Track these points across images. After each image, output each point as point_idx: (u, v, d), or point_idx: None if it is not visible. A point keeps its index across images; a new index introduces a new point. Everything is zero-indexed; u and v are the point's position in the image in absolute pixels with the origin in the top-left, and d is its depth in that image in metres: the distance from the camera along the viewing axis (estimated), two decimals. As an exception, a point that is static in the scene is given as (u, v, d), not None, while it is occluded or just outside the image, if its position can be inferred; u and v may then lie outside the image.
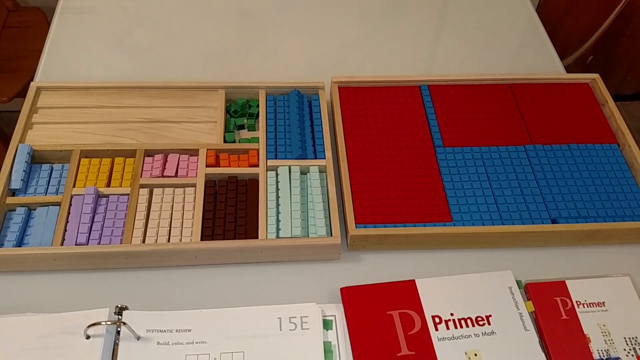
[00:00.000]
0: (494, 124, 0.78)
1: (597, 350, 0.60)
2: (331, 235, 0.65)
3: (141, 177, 0.69)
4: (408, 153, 0.74)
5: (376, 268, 0.67)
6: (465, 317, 0.61)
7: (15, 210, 0.66)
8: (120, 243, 0.63)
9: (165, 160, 0.71)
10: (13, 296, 0.63)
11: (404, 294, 0.63)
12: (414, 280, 0.64)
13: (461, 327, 0.61)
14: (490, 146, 0.75)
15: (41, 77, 0.85)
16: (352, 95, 0.80)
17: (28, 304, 0.62)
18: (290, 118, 0.77)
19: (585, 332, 0.61)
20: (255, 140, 0.75)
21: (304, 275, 0.66)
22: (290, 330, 0.60)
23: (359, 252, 0.68)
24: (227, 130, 0.76)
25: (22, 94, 1.19)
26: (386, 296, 0.63)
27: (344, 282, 0.64)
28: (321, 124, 0.76)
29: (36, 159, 0.71)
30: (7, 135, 1.29)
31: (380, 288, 0.63)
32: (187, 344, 0.58)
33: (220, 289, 0.64)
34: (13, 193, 0.68)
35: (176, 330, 0.59)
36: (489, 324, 0.61)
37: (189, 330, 0.59)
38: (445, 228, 0.66)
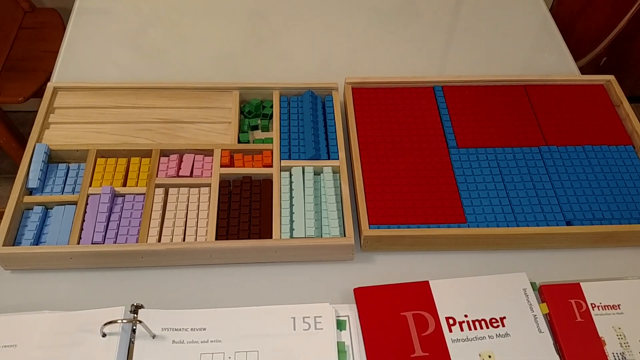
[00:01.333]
0: (508, 125, 0.78)
1: (613, 353, 0.59)
2: (344, 236, 0.65)
3: (157, 176, 0.70)
4: (422, 154, 0.74)
5: (389, 269, 0.67)
6: (480, 318, 0.61)
7: (32, 209, 0.67)
8: (136, 242, 0.64)
9: (181, 161, 0.72)
10: (30, 294, 0.63)
11: (418, 295, 0.63)
12: (427, 281, 0.64)
13: (475, 328, 0.61)
14: (504, 147, 0.75)
15: (57, 77, 0.86)
16: (366, 96, 0.80)
17: (45, 301, 0.62)
18: (303, 119, 0.77)
19: (600, 335, 0.61)
20: (269, 140, 0.75)
21: (317, 275, 0.66)
22: (304, 330, 0.60)
23: (372, 252, 0.68)
24: (241, 130, 0.76)
25: (38, 94, 1.21)
26: (400, 297, 0.63)
27: (357, 282, 0.64)
28: (335, 125, 0.76)
29: (53, 158, 0.72)
30: (22, 135, 1.31)
31: (394, 289, 0.63)
32: (202, 342, 0.59)
33: (235, 288, 0.65)
34: (30, 192, 0.69)
35: (191, 329, 0.60)
36: (503, 325, 0.61)
37: (204, 329, 0.60)
38: (459, 229, 0.66)
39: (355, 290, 0.63)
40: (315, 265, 0.67)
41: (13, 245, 0.64)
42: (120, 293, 0.64)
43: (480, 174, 0.72)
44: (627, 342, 0.60)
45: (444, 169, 0.72)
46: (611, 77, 0.83)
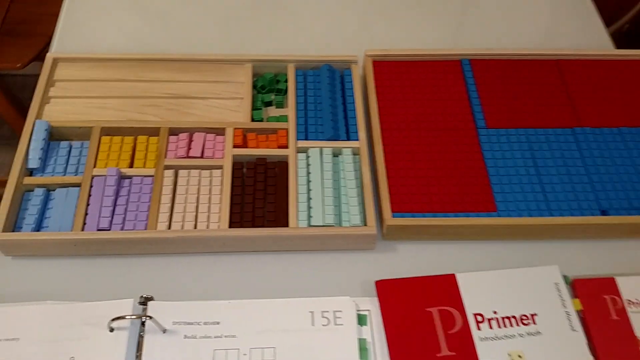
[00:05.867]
0: (540, 104, 0.72)
1: (650, 354, 0.56)
2: (365, 225, 0.61)
3: (165, 157, 0.65)
4: (448, 134, 0.69)
5: (412, 259, 0.63)
6: (509, 315, 0.58)
7: (33, 191, 0.63)
8: (145, 229, 0.60)
9: (191, 140, 0.67)
10: (32, 282, 0.60)
11: (444, 289, 0.59)
12: (453, 274, 0.60)
13: (505, 326, 0.57)
14: (536, 128, 0.70)
15: (57, 44, 0.80)
16: (387, 70, 0.75)
17: (48, 290, 0.59)
18: (321, 95, 0.72)
19: (636, 334, 0.57)
20: (284, 119, 0.70)
21: (336, 265, 0.62)
22: (323, 325, 0.57)
23: (394, 241, 0.64)
24: (254, 107, 0.71)
25: (37, 59, 1.15)
26: (424, 291, 0.59)
27: (378, 273, 0.61)
28: (354, 102, 0.71)
29: (53, 135, 0.67)
30: (20, 100, 1.25)
31: (418, 282, 0.60)
32: (215, 337, 0.55)
33: (249, 277, 0.61)
34: (30, 172, 0.64)
35: (204, 323, 0.56)
36: (534, 323, 0.58)
37: (218, 323, 0.56)
38: (490, 219, 0.62)
39: (377, 282, 0.60)
40: (333, 253, 0.63)
41: (13, 230, 0.60)
42: (128, 282, 0.60)
43: (511, 157, 0.67)
44: (665, 342, 0.57)
45: (472, 152, 0.68)
46: (651, 52, 0.78)
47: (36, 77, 0.70)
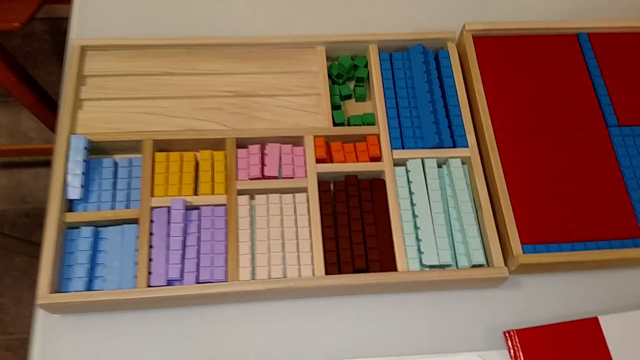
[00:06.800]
0: (677, 90, 0.60)
1: None
2: (490, 263, 0.51)
3: (237, 179, 0.53)
4: (572, 135, 0.57)
5: (543, 297, 0.53)
6: (670, 371, 0.49)
7: (78, 230, 0.51)
8: (225, 278, 0.49)
9: (264, 154, 0.55)
10: (89, 343, 0.49)
11: (585, 336, 0.50)
12: (596, 318, 0.50)
13: (666, 385, 0.48)
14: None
15: (78, 30, 0.64)
16: (492, 49, 0.61)
17: (113, 353, 0.49)
18: (415, 86, 0.59)
19: None
20: (371, 118, 0.58)
21: (453, 308, 0.52)
22: (448, 389, 0.47)
23: (519, 275, 0.53)
24: (332, 104, 0.58)
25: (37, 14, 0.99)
26: (561, 340, 0.49)
27: (504, 318, 0.51)
28: (456, 94, 0.58)
29: (91, 150, 0.54)
30: (30, 76, 1.08)
31: (553, 330, 0.50)
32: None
33: (350, 324, 0.51)
34: (70, 204, 0.52)
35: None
36: (698, 378, 0.48)
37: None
38: (636, 251, 0.51)
39: (506, 333, 0.50)
40: (449, 293, 0.53)
41: (60, 286, 0.48)
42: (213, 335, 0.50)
43: (653, 164, 0.56)
44: None
45: (605, 158, 0.56)
46: None
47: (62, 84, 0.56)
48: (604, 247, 0.51)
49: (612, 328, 0.50)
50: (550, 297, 0.53)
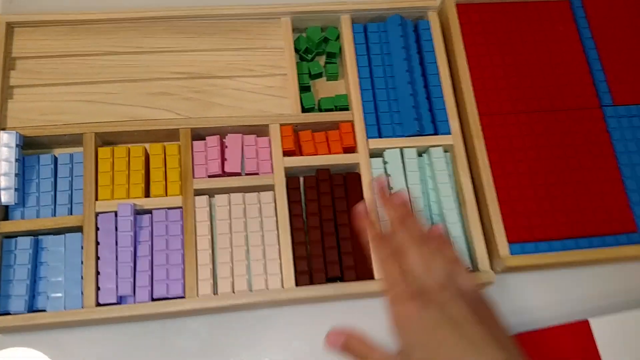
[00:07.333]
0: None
1: None
2: (476, 267, 0.46)
3: (193, 177, 0.47)
4: (563, 117, 0.52)
5: (531, 298, 0.49)
6: (663, 376, 0.46)
7: (15, 242, 0.45)
8: (183, 293, 0.44)
9: (224, 146, 0.49)
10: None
11: (575, 341, 0.47)
12: (586, 321, 0.47)
13: (658, 392, 0.45)
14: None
15: (4, 5, 0.55)
16: (477, 18, 0.55)
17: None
18: (393, 63, 0.52)
19: None
20: (343, 100, 0.52)
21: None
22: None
23: (507, 274, 0.49)
24: (300, 83, 0.52)
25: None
26: (553, 345, 0.46)
27: (489, 320, 0.47)
28: (438, 72, 0.52)
29: (26, 146, 0.48)
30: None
31: (541, 335, 0.47)
32: None
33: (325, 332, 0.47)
34: (5, 210, 0.46)
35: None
36: (691, 382, 0.46)
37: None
38: (632, 248, 0.47)
39: (492, 340, 0.46)
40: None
41: (-1, 309, 0.43)
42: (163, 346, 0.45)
43: (650, 149, 0.51)
44: None
45: (599, 142, 0.51)
46: None
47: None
48: (596, 243, 0.47)
49: (602, 331, 0.47)
50: (539, 297, 0.49)
